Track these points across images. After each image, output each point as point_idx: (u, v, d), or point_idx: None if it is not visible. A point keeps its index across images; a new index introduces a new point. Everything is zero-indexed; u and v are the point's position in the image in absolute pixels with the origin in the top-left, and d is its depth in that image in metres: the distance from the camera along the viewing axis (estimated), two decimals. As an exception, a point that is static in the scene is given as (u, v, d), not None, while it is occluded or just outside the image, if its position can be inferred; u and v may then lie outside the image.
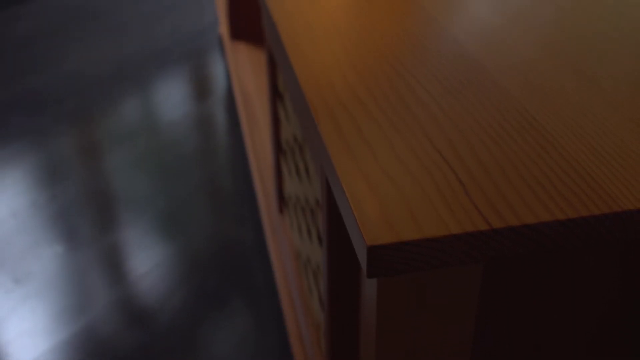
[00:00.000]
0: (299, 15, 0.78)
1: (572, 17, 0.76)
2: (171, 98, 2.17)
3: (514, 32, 0.72)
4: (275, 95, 1.07)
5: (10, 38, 2.71)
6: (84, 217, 1.58)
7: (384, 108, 0.57)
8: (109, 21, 2.85)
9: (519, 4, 0.80)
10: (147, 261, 1.42)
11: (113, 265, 1.41)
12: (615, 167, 0.49)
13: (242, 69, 1.81)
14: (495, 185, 0.47)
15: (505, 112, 0.56)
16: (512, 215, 0.44)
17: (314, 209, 0.83)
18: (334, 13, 0.78)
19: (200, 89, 2.22)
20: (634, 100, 0.58)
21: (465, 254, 0.44)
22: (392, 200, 0.46)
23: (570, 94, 0.59)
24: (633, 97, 0.58)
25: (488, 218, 0.44)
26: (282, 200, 1.17)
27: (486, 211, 0.45)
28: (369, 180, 0.48)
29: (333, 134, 0.54)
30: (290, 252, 1.10)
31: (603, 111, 0.56)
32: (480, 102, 0.57)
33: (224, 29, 2.23)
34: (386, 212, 0.45)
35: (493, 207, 0.45)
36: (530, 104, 0.57)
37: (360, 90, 0.60)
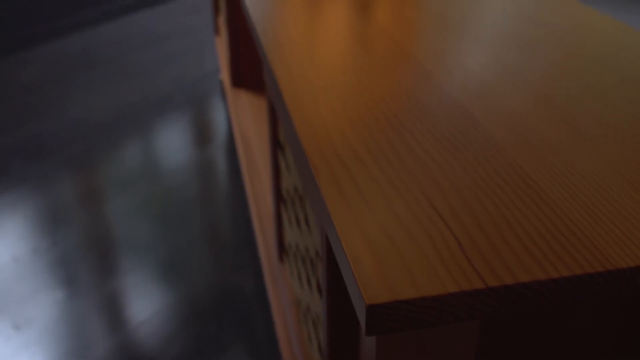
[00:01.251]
0: (298, 69, 0.80)
1: (561, 71, 0.78)
2: (172, 144, 2.19)
3: (507, 86, 0.74)
4: (276, 145, 1.09)
5: (15, 85, 2.75)
6: (85, 264, 1.59)
7: (381, 165, 0.58)
8: (111, 69, 2.89)
9: (510, 58, 0.82)
10: (148, 308, 1.42)
11: (113, 312, 1.41)
12: (608, 225, 0.50)
13: (242, 116, 1.84)
14: (491, 243, 0.48)
15: (501, 169, 0.57)
16: (508, 273, 0.45)
17: (314, 260, 0.84)
18: (332, 67, 0.80)
19: (202, 135, 2.25)
20: (624, 157, 0.59)
21: (462, 311, 0.45)
22: (390, 258, 0.47)
23: (563, 150, 0.60)
24: (623, 153, 0.60)
25: (484, 276, 0.45)
26: (282, 248, 1.18)
27: (482, 269, 0.46)
28: (367, 238, 0.49)
29: (332, 190, 0.55)
30: (290, 300, 1.10)
31: (595, 168, 0.58)
32: (477, 159, 0.58)
33: (225, 75, 2.26)
34: (384, 270, 0.46)
35: (489, 266, 0.46)
36: (525, 161, 0.58)
37: (358, 147, 0.61)
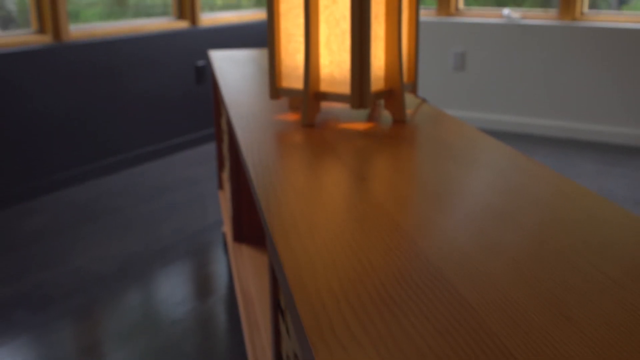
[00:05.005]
0: (299, 242, 0.84)
1: (541, 244, 0.82)
2: (174, 296, 2.21)
3: (494, 263, 0.78)
4: (277, 309, 1.11)
5: (19, 234, 2.80)
6: (80, 422, 1.57)
7: (378, 346, 0.61)
8: (115, 220, 2.96)
9: (495, 233, 0.86)
10: None
11: None
12: (593, 413, 0.53)
13: (243, 272, 1.87)
14: None
15: (491, 354, 0.60)
16: None
17: None
18: (330, 241, 0.85)
19: (203, 287, 2.27)
20: (610, 343, 0.62)
21: None
22: None
23: (553, 337, 0.63)
24: (609, 339, 0.63)
25: None
26: (280, 412, 1.18)
27: None
28: None
29: (331, 373, 0.58)
30: None
31: (581, 353, 0.61)
32: (468, 344, 0.62)
33: (227, 229, 2.32)
34: None
35: None
36: (515, 346, 0.62)
37: (355, 327, 0.65)
